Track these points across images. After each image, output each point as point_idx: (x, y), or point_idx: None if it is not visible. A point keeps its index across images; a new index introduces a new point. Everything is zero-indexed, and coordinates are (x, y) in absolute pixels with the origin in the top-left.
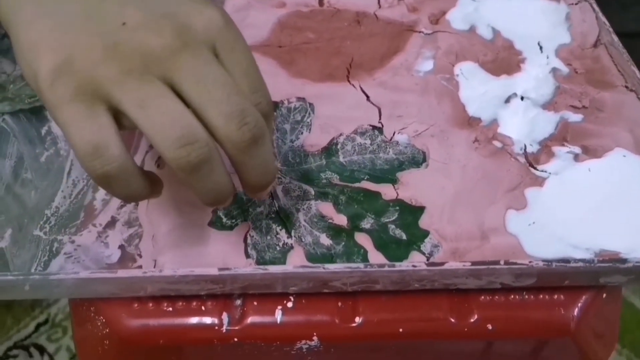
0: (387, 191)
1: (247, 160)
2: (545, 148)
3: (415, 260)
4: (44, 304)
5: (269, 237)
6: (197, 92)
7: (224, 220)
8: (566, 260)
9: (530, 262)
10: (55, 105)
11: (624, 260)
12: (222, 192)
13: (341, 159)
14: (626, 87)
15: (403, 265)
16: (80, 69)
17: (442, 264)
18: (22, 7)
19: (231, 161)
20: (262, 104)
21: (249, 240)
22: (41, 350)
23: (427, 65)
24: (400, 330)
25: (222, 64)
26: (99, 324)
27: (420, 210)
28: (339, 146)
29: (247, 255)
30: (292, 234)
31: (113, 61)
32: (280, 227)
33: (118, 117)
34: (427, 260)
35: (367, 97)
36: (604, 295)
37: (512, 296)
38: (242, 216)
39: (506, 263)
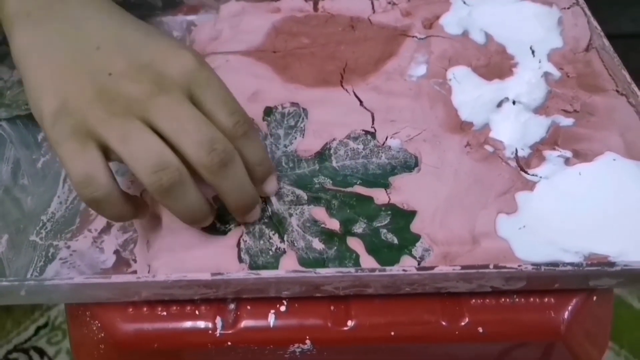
0: (380, 196)
1: (221, 182)
2: (537, 152)
3: (406, 265)
4: (44, 307)
5: (262, 242)
6: (171, 127)
7: (218, 225)
8: (555, 264)
9: (519, 265)
10: (56, 142)
11: (613, 264)
12: (196, 212)
13: (334, 163)
14: (617, 91)
15: (394, 270)
16: (74, 111)
17: (432, 268)
18: (31, 53)
19: (210, 185)
20: (240, 122)
21: (242, 245)
22: (41, 353)
23: (420, 70)
24: (392, 333)
25: (198, 100)
26: (94, 328)
27: (412, 214)
28: (332, 151)
29: (240, 260)
30: (285, 238)
31: (101, 105)
32: (273, 232)
33: (107, 152)
34: (418, 264)
35: (361, 102)
36: (595, 298)
37: (503, 299)
38: (235, 221)
39: (495, 267)
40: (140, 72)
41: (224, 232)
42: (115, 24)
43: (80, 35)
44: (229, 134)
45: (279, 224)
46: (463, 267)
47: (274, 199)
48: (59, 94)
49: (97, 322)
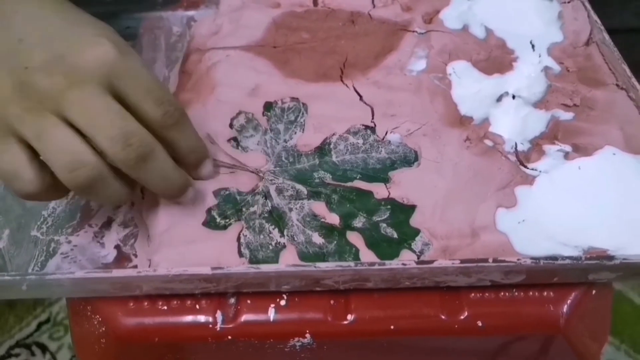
0: (379, 190)
1: (141, 174)
2: (536, 146)
3: (406, 259)
4: (46, 303)
5: (262, 237)
6: (85, 122)
7: (218, 220)
8: (554, 258)
9: (518, 259)
10: None
11: (611, 257)
12: (122, 200)
13: (334, 158)
14: (617, 85)
15: (393, 264)
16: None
17: (432, 262)
18: None
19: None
20: (170, 111)
21: (242, 240)
22: (43, 348)
23: (420, 64)
24: (392, 327)
25: (120, 92)
26: (95, 322)
27: (411, 209)
28: (331, 146)
29: (241, 255)
30: (285, 233)
31: (17, 100)
32: (273, 227)
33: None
34: (418, 258)
35: (360, 96)
36: (594, 291)
37: (502, 293)
38: (235, 216)
39: (494, 261)
40: (55, 64)
41: (224, 227)
42: (44, 15)
43: (5, 28)
44: (158, 124)
45: (279, 219)
46: (462, 261)
47: (274, 194)
48: None
49: (98, 316)
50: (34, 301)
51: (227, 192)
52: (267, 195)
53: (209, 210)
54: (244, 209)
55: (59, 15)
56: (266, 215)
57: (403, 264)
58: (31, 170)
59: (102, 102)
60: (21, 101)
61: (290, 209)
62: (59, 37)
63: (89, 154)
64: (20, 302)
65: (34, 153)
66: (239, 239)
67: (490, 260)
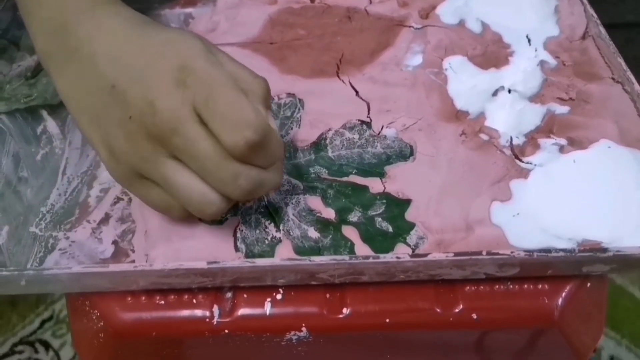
0: (375, 185)
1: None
2: (531, 140)
3: (400, 252)
4: (49, 301)
5: (257, 231)
6: (195, 167)
7: None
8: (547, 250)
9: (512, 252)
10: (123, 185)
11: (605, 250)
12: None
13: (330, 153)
14: (612, 78)
15: (387, 257)
16: (121, 160)
17: (425, 255)
18: (68, 100)
19: None
20: (239, 143)
21: (238, 234)
22: (46, 345)
23: (416, 59)
24: (387, 320)
25: (204, 120)
26: (94, 317)
27: (406, 203)
28: (327, 141)
29: (237, 249)
30: (281, 227)
31: (133, 152)
32: (269, 222)
33: None
34: (413, 252)
35: (357, 92)
36: (589, 284)
37: (497, 286)
38: (231, 211)
39: (488, 253)
40: (149, 113)
41: (220, 222)
42: (119, 50)
43: (96, 74)
44: (239, 155)
45: (274, 214)
46: (456, 254)
47: None
48: (104, 144)
49: (96, 311)
50: (37, 299)
51: None
52: None
53: None
54: (240, 204)
55: (134, 45)
56: (262, 210)
57: (397, 257)
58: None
59: (202, 146)
60: (136, 152)
61: (286, 204)
62: (143, 76)
63: (212, 193)
64: (23, 300)
65: None
66: (235, 233)
67: (484, 253)
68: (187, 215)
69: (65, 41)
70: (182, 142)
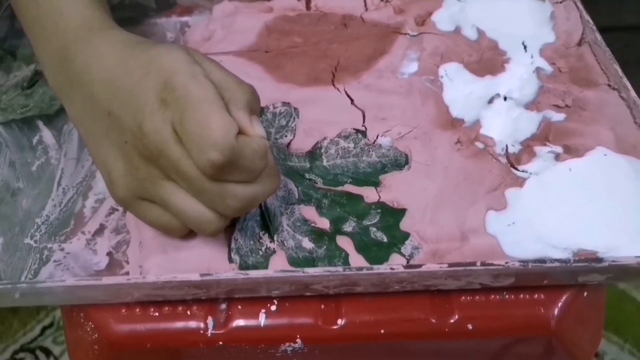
0: (370, 194)
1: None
2: (527, 148)
3: (395, 263)
4: (49, 308)
5: (252, 242)
6: (185, 187)
7: None
8: (542, 261)
9: (506, 262)
10: (126, 207)
11: (600, 260)
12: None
13: (325, 162)
14: (609, 85)
15: (381, 268)
16: (118, 183)
17: (420, 266)
18: (77, 127)
19: None
20: (206, 164)
21: (232, 245)
22: (47, 352)
23: (412, 67)
24: (382, 331)
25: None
26: (88, 329)
27: (401, 212)
28: (322, 150)
29: (231, 260)
30: (275, 238)
31: (130, 176)
32: (263, 232)
33: None
34: (407, 262)
35: (352, 100)
36: (585, 293)
37: (493, 296)
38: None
39: (483, 264)
40: (139, 137)
41: None
42: (112, 75)
43: (95, 101)
44: (209, 176)
45: (269, 220)
46: (450, 265)
47: None
48: (107, 167)
49: (91, 323)
50: (37, 306)
51: None
52: None
53: None
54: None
55: (124, 71)
56: (257, 218)
57: (391, 268)
58: (175, 218)
59: (185, 168)
60: (135, 174)
61: (281, 213)
62: (132, 97)
63: (208, 212)
64: (24, 307)
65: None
66: (229, 244)
67: (478, 263)
68: (188, 233)
69: (68, 70)
70: (167, 164)
